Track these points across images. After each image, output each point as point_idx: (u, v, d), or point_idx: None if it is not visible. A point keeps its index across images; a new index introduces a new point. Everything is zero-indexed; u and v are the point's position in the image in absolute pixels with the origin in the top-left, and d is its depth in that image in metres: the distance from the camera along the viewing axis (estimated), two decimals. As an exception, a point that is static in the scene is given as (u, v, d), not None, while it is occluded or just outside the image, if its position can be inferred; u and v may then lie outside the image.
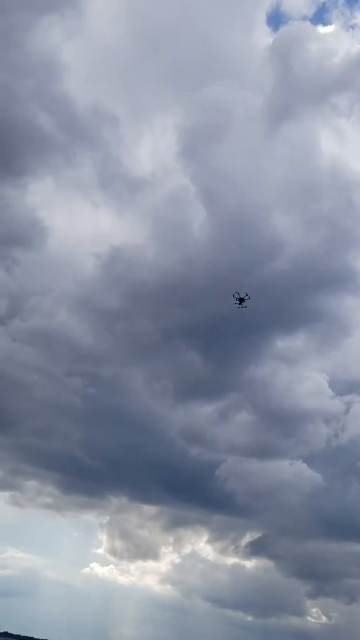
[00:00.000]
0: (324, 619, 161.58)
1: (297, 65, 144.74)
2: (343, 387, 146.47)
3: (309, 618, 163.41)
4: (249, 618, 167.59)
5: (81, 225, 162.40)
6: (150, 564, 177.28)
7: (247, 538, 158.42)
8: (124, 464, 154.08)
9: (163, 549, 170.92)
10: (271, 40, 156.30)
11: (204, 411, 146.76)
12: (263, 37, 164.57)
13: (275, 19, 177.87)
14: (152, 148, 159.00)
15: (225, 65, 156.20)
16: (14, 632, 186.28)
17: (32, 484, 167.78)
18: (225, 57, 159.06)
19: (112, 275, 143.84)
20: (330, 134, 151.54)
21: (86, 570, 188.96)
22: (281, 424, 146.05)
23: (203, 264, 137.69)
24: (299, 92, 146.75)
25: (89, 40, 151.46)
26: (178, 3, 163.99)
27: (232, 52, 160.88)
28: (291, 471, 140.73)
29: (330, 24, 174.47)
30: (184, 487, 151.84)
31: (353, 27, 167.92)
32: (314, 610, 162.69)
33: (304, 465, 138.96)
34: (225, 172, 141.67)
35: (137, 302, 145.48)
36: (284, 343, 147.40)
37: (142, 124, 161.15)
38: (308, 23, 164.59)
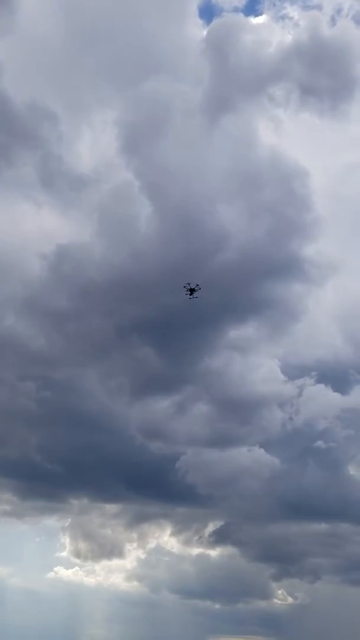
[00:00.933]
0: (289, 599, 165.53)
1: (232, 56, 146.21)
2: (295, 371, 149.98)
3: (276, 600, 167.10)
4: (217, 606, 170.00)
5: (25, 226, 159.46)
6: (115, 562, 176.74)
7: (211, 527, 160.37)
8: (83, 465, 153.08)
9: (127, 546, 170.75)
10: (205, 33, 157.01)
11: (161, 405, 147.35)
12: (196, 30, 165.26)
13: (207, 11, 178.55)
14: (92, 144, 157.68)
15: (162, 59, 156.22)
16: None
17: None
18: (161, 51, 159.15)
19: (59, 275, 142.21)
20: (268, 125, 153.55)
21: (51, 574, 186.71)
22: (237, 412, 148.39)
23: (152, 258, 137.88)
24: (236, 83, 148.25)
25: (23, 37, 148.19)
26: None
27: (167, 45, 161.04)
28: (249, 457, 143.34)
29: (262, 14, 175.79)
30: (145, 483, 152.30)
31: (283, 17, 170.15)
32: (279, 592, 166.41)
33: (262, 451, 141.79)
34: (167, 165, 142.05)
35: (87, 300, 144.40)
36: (235, 332, 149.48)
37: (81, 120, 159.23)
38: (240, 14, 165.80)
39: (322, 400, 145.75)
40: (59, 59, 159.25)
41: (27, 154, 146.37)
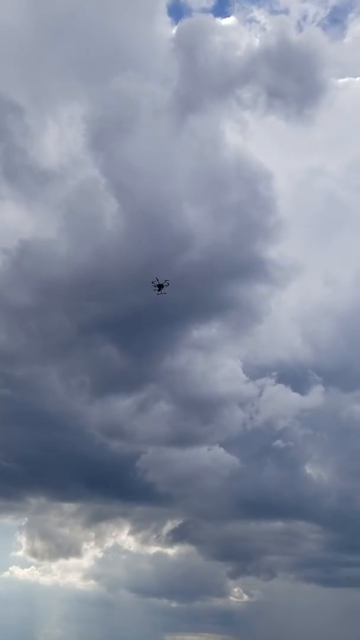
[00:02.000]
0: (245, 597, 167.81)
1: (201, 57, 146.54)
2: (256, 371, 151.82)
3: (232, 598, 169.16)
4: (174, 604, 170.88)
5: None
6: (72, 561, 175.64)
7: (169, 526, 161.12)
8: (42, 464, 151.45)
9: (85, 545, 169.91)
10: (174, 32, 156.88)
11: (122, 404, 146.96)
12: (165, 28, 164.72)
13: (176, 10, 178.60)
14: (58, 139, 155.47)
15: (131, 56, 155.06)
16: None
17: None
18: (130, 47, 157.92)
19: (22, 271, 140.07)
20: (235, 127, 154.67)
21: (6, 574, 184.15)
22: (199, 411, 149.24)
23: (117, 256, 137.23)
24: (205, 84, 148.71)
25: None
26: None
27: (136, 42, 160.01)
28: (209, 456, 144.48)
29: (230, 16, 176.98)
30: (104, 482, 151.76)
31: (250, 20, 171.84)
32: (235, 589, 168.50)
33: (221, 450, 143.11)
34: (134, 163, 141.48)
35: (50, 297, 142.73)
36: (199, 332, 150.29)
37: (47, 114, 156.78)
38: (210, 15, 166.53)
39: (281, 400, 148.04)
40: (25, 51, 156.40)
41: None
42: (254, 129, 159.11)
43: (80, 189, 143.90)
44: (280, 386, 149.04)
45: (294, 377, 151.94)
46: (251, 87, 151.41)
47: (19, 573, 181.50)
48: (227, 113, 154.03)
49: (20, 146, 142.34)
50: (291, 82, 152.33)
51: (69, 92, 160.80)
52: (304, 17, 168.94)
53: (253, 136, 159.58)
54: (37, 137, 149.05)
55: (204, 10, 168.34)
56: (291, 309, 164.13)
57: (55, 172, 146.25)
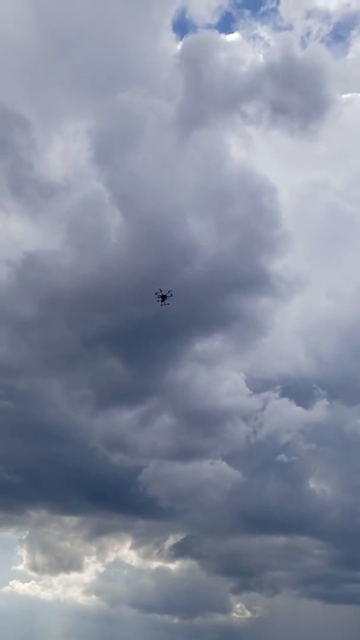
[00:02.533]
0: (248, 613, 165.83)
1: (206, 72, 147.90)
2: (260, 385, 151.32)
3: (234, 614, 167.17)
4: (175, 620, 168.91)
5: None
6: (73, 575, 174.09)
7: (171, 540, 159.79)
8: (44, 477, 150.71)
9: (86, 559, 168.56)
10: (179, 47, 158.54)
11: (124, 417, 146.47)
12: (171, 44, 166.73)
13: (181, 26, 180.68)
14: (64, 153, 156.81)
15: (136, 71, 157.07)
16: None
17: None
18: (136, 63, 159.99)
19: (26, 283, 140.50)
20: (239, 141, 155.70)
21: (6, 588, 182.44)
22: (201, 425, 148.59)
23: (121, 269, 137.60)
24: (209, 99, 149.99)
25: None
26: (85, 6, 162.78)
27: (142, 58, 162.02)
28: (212, 470, 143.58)
29: (234, 33, 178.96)
30: (106, 495, 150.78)
31: (254, 37, 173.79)
32: (238, 605, 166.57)
33: (224, 464, 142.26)
34: (139, 177, 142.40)
35: (54, 309, 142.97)
36: (202, 345, 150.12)
37: (53, 128, 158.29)
38: (215, 31, 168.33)
39: (285, 414, 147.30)
40: (32, 66, 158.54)
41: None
42: (258, 143, 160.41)
43: (84, 201, 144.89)
44: (284, 400, 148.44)
45: (297, 391, 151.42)
46: (256, 103, 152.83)
47: (20, 587, 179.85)
48: (232, 128, 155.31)
49: (26, 160, 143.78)
50: (295, 97, 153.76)
51: (74, 107, 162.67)
52: (308, 34, 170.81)
53: (257, 150, 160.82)
54: (42, 150, 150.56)
55: (209, 27, 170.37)
56: (295, 322, 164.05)
57: (60, 185, 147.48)
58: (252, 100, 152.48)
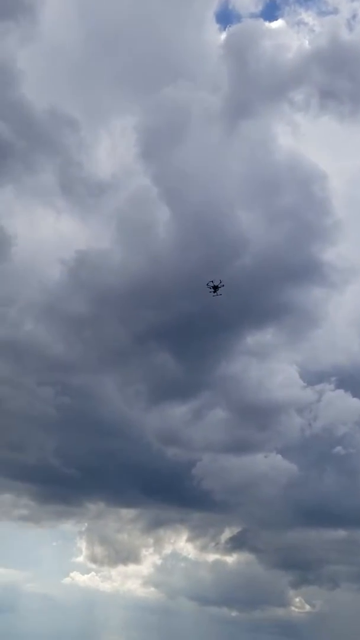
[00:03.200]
0: (307, 607, 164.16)
1: (251, 62, 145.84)
2: (314, 377, 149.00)
3: (293, 608, 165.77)
4: (234, 613, 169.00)
5: (44, 232, 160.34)
6: (131, 567, 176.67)
7: (227, 534, 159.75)
8: (100, 471, 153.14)
9: (144, 551, 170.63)
10: (222, 38, 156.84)
11: (178, 412, 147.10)
12: (214, 35, 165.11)
13: (224, 17, 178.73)
14: (111, 150, 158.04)
15: (180, 65, 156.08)
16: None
17: (6, 497, 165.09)
18: (179, 56, 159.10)
19: (78, 281, 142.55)
20: (287, 129, 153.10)
21: (67, 580, 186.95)
22: (255, 418, 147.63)
23: (170, 264, 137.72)
24: (256, 89, 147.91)
25: (44, 45, 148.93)
26: (127, 2, 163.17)
27: (185, 51, 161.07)
28: (266, 464, 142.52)
29: (278, 20, 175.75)
30: (161, 488, 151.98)
31: (299, 23, 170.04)
32: (297, 599, 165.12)
33: (279, 457, 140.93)
34: (186, 171, 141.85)
35: (106, 306, 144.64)
36: (253, 338, 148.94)
37: (100, 126, 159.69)
38: (259, 19, 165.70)
39: (341, 405, 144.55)
40: (78, 66, 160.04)
41: (46, 161, 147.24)
42: (307, 130, 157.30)
43: (132, 198, 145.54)
44: (340, 392, 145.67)
45: (353, 383, 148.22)
46: (303, 89, 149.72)
47: (80, 579, 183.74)
48: (279, 116, 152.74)
49: (75, 159, 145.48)
50: (344, 82, 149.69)
51: (121, 104, 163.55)
52: (354, 16, 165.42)
53: (306, 138, 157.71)
54: (91, 149, 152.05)
55: (253, 15, 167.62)
56: (349, 313, 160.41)
57: (109, 183, 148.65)
58: (299, 87, 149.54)
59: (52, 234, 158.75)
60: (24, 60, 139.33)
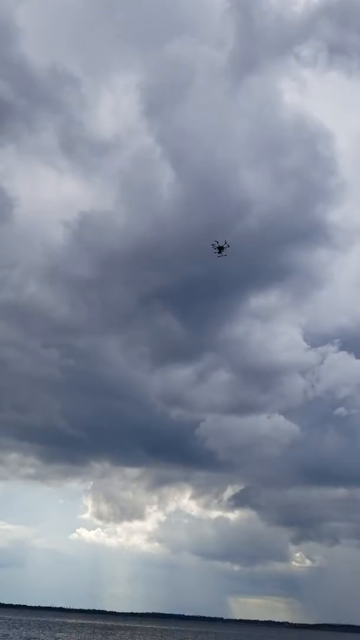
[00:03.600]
0: (307, 562, 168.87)
1: (257, 16, 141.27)
2: (317, 339, 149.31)
3: (294, 563, 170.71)
4: (236, 567, 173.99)
5: (46, 194, 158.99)
6: (136, 524, 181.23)
7: (230, 491, 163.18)
8: (106, 431, 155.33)
9: (148, 509, 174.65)
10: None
11: (182, 373, 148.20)
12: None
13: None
14: (113, 109, 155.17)
15: (184, 20, 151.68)
16: (6, 602, 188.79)
17: (13, 456, 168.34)
18: (184, 11, 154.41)
19: (82, 243, 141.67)
20: (293, 86, 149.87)
21: (74, 535, 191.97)
22: (258, 380, 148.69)
23: (174, 226, 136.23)
24: (262, 44, 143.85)
25: (43, 2, 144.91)
26: None
27: (189, 5, 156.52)
28: (269, 424, 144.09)
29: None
30: (165, 448, 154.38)
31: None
32: (297, 555, 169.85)
33: (282, 418, 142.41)
34: (190, 130, 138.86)
35: (110, 269, 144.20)
36: (257, 300, 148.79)
37: (102, 84, 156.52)
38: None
39: (344, 367, 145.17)
40: (79, 22, 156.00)
41: (48, 119, 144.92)
42: (314, 87, 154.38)
43: (136, 158, 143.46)
44: (343, 353, 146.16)
45: (357, 344, 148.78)
46: (311, 44, 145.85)
47: (86, 535, 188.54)
48: (286, 72, 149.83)
49: (77, 118, 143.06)
50: (353, 36, 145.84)
51: (123, 61, 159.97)
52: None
53: (312, 94, 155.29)
54: (93, 107, 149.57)
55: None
56: (353, 274, 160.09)
57: (111, 143, 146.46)
58: (306, 41, 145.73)
59: (55, 195, 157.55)
60: (24, 17, 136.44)
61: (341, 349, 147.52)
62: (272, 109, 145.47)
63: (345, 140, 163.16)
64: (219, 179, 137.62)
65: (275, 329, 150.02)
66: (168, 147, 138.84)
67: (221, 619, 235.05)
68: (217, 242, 65.18)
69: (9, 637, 60.36)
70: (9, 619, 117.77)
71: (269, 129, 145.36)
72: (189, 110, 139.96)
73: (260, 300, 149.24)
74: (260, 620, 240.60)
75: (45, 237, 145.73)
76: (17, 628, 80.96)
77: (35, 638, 59.58)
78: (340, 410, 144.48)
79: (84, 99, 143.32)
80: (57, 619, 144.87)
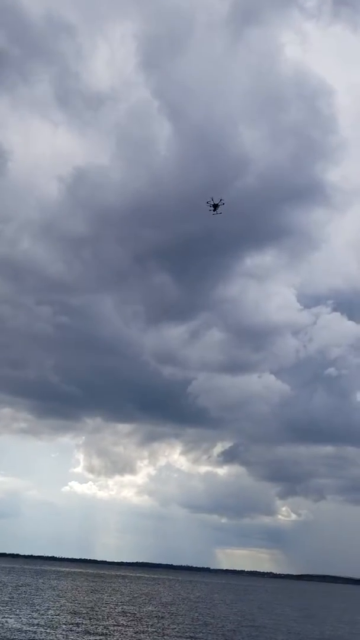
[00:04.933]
0: (293, 516, 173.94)
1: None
2: (311, 300, 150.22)
3: (280, 516, 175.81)
4: (224, 520, 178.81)
5: (41, 147, 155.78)
6: (127, 477, 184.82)
7: (219, 448, 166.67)
8: (98, 388, 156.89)
9: (139, 463, 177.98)
10: None
11: (175, 332, 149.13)
12: None
13: None
14: (109, 60, 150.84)
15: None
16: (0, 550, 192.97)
17: (6, 411, 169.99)
18: None
19: (77, 199, 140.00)
20: (295, 39, 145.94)
21: (66, 488, 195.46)
22: (251, 340, 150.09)
23: (170, 183, 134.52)
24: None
25: None
26: None
27: None
28: (260, 383, 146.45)
29: None
30: (157, 405, 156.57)
31: None
32: (283, 509, 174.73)
33: (272, 377, 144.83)
34: (188, 83, 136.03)
35: (105, 226, 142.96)
36: (252, 260, 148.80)
37: (98, 34, 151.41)
38: None
39: (336, 328, 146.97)
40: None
41: (42, 70, 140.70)
42: (316, 40, 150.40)
43: (132, 112, 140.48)
44: (336, 314, 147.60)
45: (350, 306, 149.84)
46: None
47: (78, 488, 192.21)
48: (288, 24, 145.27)
49: (73, 69, 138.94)
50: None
51: (119, 9, 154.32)
52: None
53: (314, 48, 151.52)
54: (89, 58, 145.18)
55: None
56: (350, 235, 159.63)
57: (107, 95, 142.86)
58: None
59: (49, 149, 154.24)
60: None
61: (334, 310, 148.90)
62: (272, 63, 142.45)
63: (347, 97, 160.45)
64: (217, 135, 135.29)
65: (269, 289, 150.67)
66: (165, 101, 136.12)
67: (208, 569, 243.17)
68: (212, 199, 64.34)
69: (5, 583, 62.43)
70: (3, 567, 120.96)
71: (269, 84, 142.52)
72: (187, 62, 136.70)
73: (256, 260, 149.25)
74: (245, 570, 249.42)
75: (39, 192, 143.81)
76: (11, 575, 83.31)
77: (29, 584, 61.59)
78: (331, 370, 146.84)
79: (79, 49, 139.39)
80: (48, 567, 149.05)
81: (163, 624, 36.66)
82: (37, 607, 41.01)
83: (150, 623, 36.91)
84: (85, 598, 52.09)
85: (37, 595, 50.73)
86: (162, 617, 40.50)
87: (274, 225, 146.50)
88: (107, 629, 32.93)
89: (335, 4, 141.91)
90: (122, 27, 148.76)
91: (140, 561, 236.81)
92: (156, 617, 40.68)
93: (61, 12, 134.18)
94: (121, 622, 36.24)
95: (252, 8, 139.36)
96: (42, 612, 38.67)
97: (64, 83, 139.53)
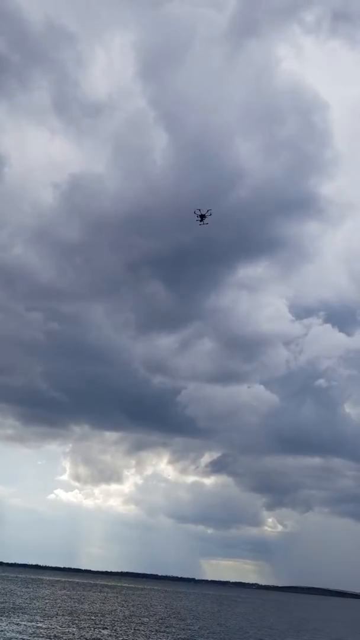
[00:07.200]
0: (279, 527, 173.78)
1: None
2: (303, 311, 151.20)
3: (266, 527, 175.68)
4: (210, 531, 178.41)
5: (37, 154, 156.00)
6: (113, 486, 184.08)
7: (207, 458, 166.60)
8: (87, 395, 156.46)
9: (125, 472, 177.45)
10: None
11: (166, 341, 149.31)
12: None
13: None
14: (108, 68, 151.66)
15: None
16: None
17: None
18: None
19: (71, 206, 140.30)
20: (293, 52, 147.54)
21: (51, 496, 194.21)
22: (242, 350, 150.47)
23: (166, 193, 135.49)
24: (264, 7, 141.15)
25: None
26: None
27: None
28: (249, 394, 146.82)
29: None
30: (145, 414, 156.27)
31: None
32: (270, 520, 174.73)
33: (262, 388, 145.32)
34: (185, 94, 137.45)
35: (99, 233, 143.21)
36: (245, 271, 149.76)
37: (97, 42, 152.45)
38: None
39: (327, 340, 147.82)
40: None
41: (41, 77, 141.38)
42: (313, 55, 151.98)
43: (129, 121, 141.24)
44: (327, 326, 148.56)
45: (341, 318, 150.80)
46: (315, 9, 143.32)
47: (64, 496, 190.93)
48: (286, 38, 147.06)
49: (71, 77, 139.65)
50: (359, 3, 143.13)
51: (119, 18, 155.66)
52: None
53: (310, 63, 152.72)
54: (87, 66, 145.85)
55: None
56: (342, 248, 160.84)
57: (105, 104, 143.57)
58: (311, 6, 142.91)
59: (45, 156, 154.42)
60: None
61: (325, 321, 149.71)
62: (270, 77, 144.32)
63: (342, 112, 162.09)
64: (213, 147, 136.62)
65: (261, 299, 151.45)
66: (162, 111, 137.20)
67: (193, 580, 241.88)
68: (200, 209, 64.97)
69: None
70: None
71: (266, 97, 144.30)
72: (184, 73, 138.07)
73: (249, 271, 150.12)
74: (230, 581, 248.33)
75: (34, 198, 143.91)
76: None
77: (15, 592, 61.09)
78: (321, 381, 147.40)
79: (78, 57, 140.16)
80: (32, 576, 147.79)
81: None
82: (17, 615, 40.73)
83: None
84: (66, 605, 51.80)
85: (18, 604, 50.40)
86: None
87: (267, 237, 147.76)
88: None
89: (334, 19, 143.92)
90: (122, 36, 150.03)
91: (125, 571, 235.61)
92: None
93: (61, 20, 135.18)
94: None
95: (252, 21, 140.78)
96: (23, 620, 38.37)
97: (62, 90, 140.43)
